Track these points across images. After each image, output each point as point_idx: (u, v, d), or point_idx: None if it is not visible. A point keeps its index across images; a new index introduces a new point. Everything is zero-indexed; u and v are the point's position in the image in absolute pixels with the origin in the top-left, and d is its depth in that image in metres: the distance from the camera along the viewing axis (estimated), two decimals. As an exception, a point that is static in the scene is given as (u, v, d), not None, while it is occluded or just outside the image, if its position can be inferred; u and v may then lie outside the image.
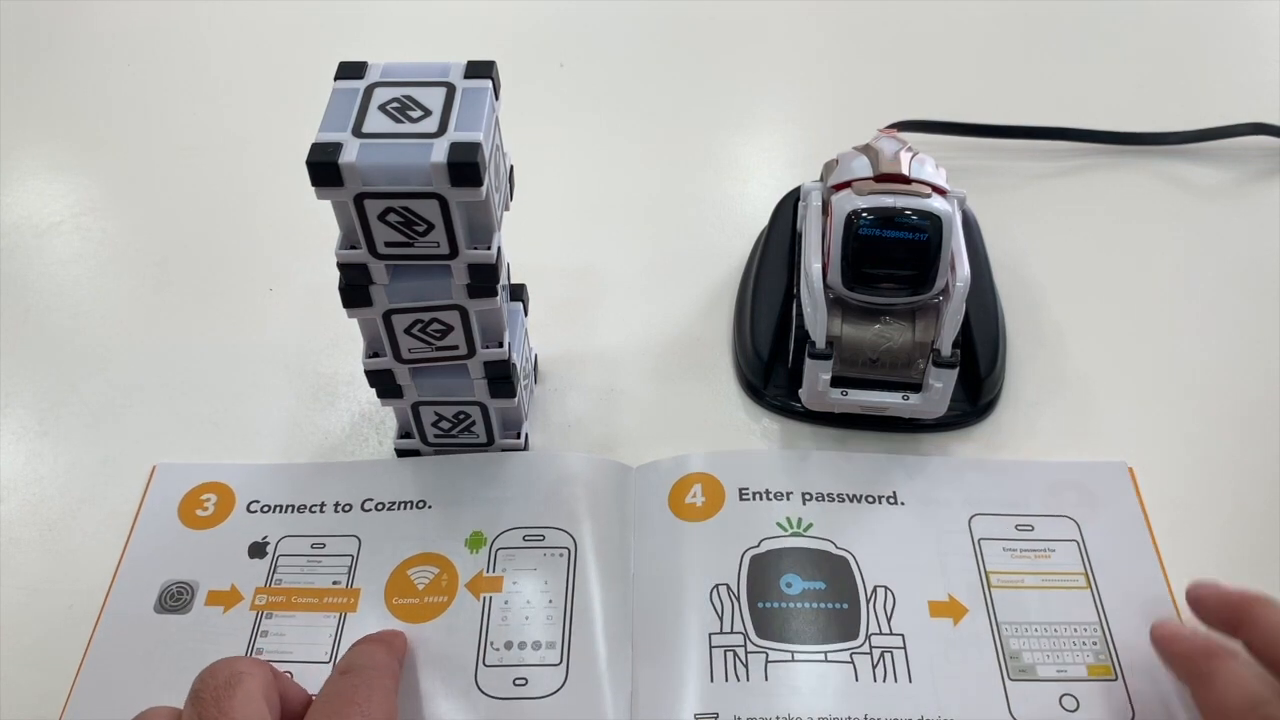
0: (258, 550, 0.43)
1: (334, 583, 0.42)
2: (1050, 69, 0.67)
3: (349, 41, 0.68)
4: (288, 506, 0.44)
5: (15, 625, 0.41)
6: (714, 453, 0.45)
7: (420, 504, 0.44)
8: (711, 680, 0.38)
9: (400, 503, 0.44)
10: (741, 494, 0.44)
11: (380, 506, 0.44)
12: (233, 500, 0.45)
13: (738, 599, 0.41)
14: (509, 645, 0.39)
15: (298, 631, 0.40)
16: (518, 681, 0.38)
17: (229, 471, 0.46)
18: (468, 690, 0.38)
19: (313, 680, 0.37)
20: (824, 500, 0.44)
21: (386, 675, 0.36)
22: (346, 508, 0.44)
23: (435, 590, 0.41)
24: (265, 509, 0.44)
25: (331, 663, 0.39)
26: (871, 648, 0.39)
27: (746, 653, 0.39)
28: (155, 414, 0.48)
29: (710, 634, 0.40)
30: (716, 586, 0.41)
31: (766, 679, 0.38)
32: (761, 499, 0.44)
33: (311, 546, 0.43)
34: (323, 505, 0.44)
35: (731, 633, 0.40)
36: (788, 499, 0.44)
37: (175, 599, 0.41)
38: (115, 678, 0.39)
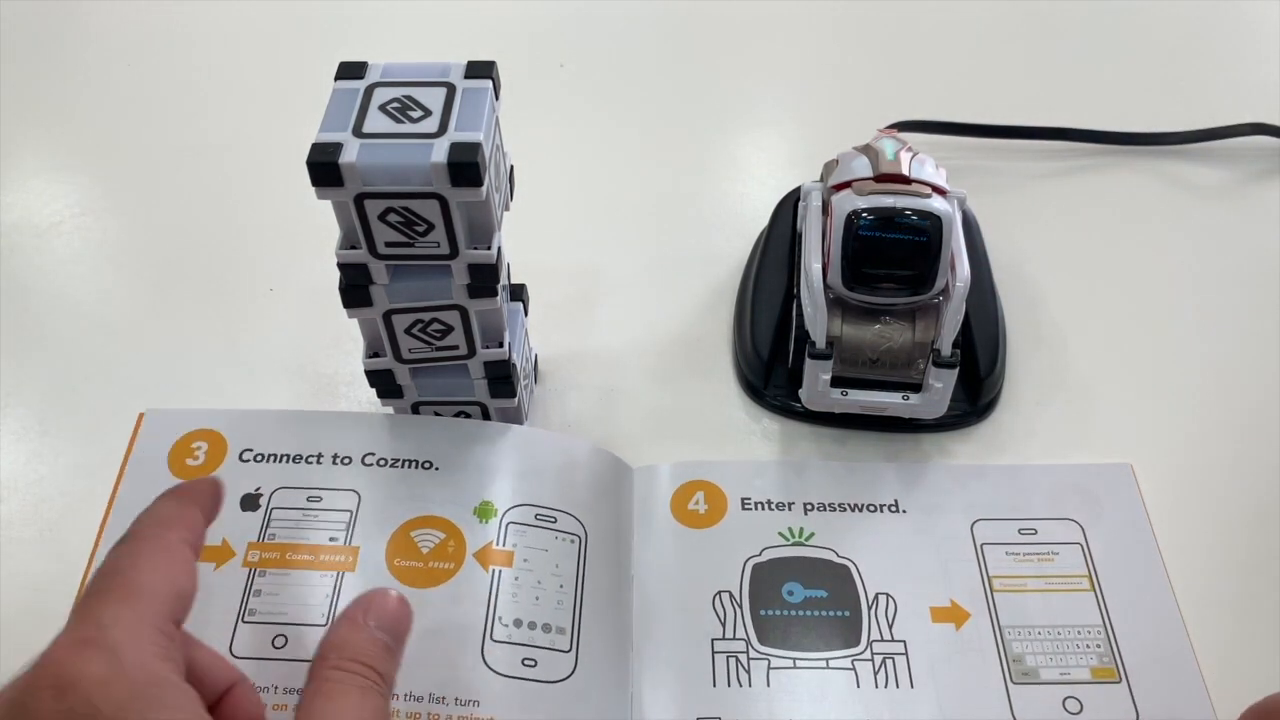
0: (250, 502, 0.41)
1: (331, 539, 0.40)
2: (1050, 69, 0.67)
3: (349, 41, 0.68)
4: (283, 456, 0.43)
5: (15, 625, 0.41)
6: (716, 461, 0.45)
7: (426, 464, 0.43)
8: (714, 685, 0.38)
9: (404, 461, 0.43)
10: (744, 503, 0.44)
11: (382, 462, 0.43)
12: (225, 448, 0.43)
13: (740, 606, 0.41)
14: (518, 623, 0.38)
15: (292, 591, 0.39)
16: (526, 662, 0.38)
17: (221, 418, 0.44)
18: (474, 664, 0.37)
19: (311, 644, 0.36)
20: (825, 510, 0.44)
21: (382, 682, 0.33)
22: (346, 460, 0.43)
23: (441, 556, 0.40)
24: (259, 458, 0.43)
25: (328, 622, 0.38)
26: (873, 654, 0.39)
27: (749, 659, 0.39)
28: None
29: (713, 640, 0.40)
30: (719, 593, 0.41)
31: (768, 685, 0.38)
32: (764, 509, 0.44)
33: (307, 499, 0.41)
34: (319, 456, 0.43)
35: (734, 639, 0.40)
36: (789, 509, 0.44)
37: None
38: None
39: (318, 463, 0.43)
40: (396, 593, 0.34)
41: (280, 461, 0.43)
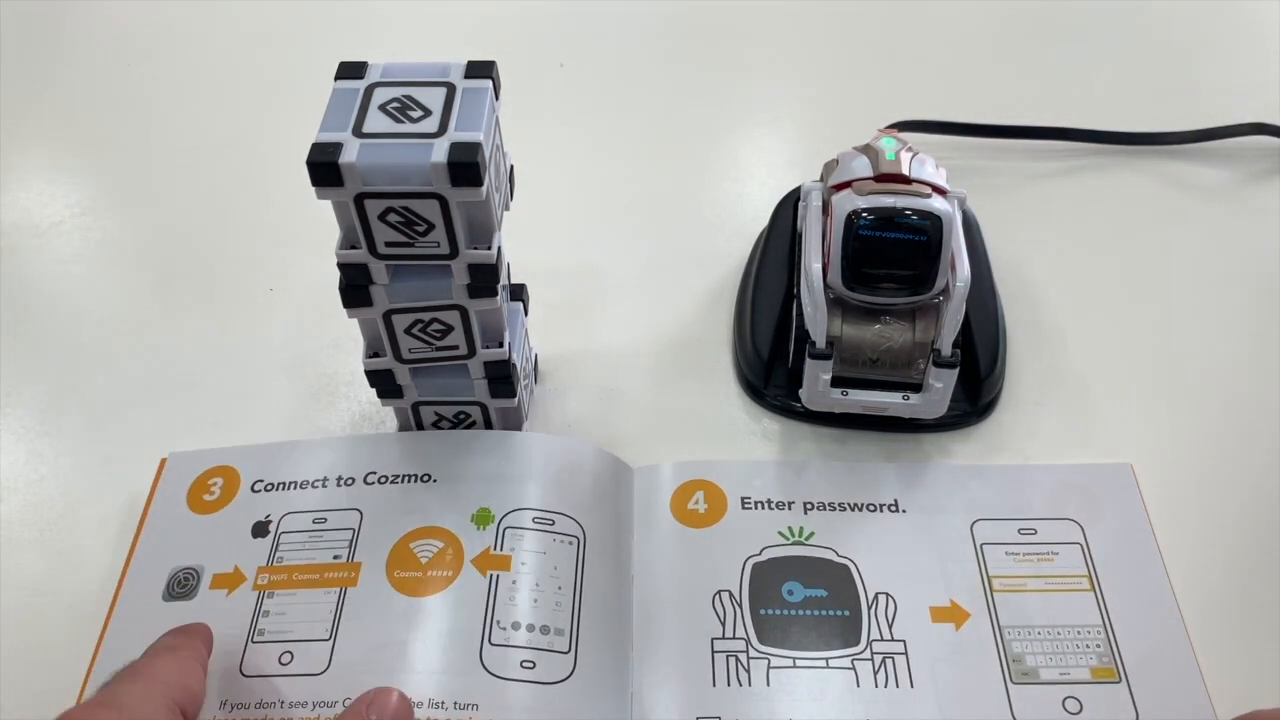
0: (260, 529, 0.42)
1: (335, 557, 0.41)
2: (1050, 69, 0.67)
3: (349, 41, 0.68)
4: (290, 483, 0.44)
5: (15, 626, 0.41)
6: (716, 461, 0.45)
7: (425, 478, 0.43)
8: (714, 685, 0.38)
9: (404, 476, 0.43)
10: (744, 503, 0.44)
11: (383, 480, 0.43)
12: (238, 482, 0.44)
13: (739, 605, 0.41)
14: (516, 626, 0.39)
15: (298, 610, 0.40)
16: (525, 664, 0.38)
17: (235, 454, 0.45)
18: (472, 668, 0.38)
19: (314, 658, 0.37)
20: (825, 510, 0.44)
21: None
22: (349, 481, 0.44)
23: (439, 564, 0.40)
24: (269, 487, 0.44)
25: (332, 641, 0.39)
26: (873, 654, 0.39)
27: (749, 658, 0.39)
28: (155, 414, 0.48)
29: (712, 639, 0.40)
30: (718, 593, 0.41)
31: (768, 684, 0.38)
32: (764, 508, 0.44)
33: (313, 522, 0.42)
34: (325, 480, 0.44)
35: (733, 638, 0.40)
36: (789, 508, 0.44)
37: (182, 585, 0.41)
38: None
39: (323, 486, 0.44)
40: (399, 692, 0.35)
41: (288, 489, 0.44)
